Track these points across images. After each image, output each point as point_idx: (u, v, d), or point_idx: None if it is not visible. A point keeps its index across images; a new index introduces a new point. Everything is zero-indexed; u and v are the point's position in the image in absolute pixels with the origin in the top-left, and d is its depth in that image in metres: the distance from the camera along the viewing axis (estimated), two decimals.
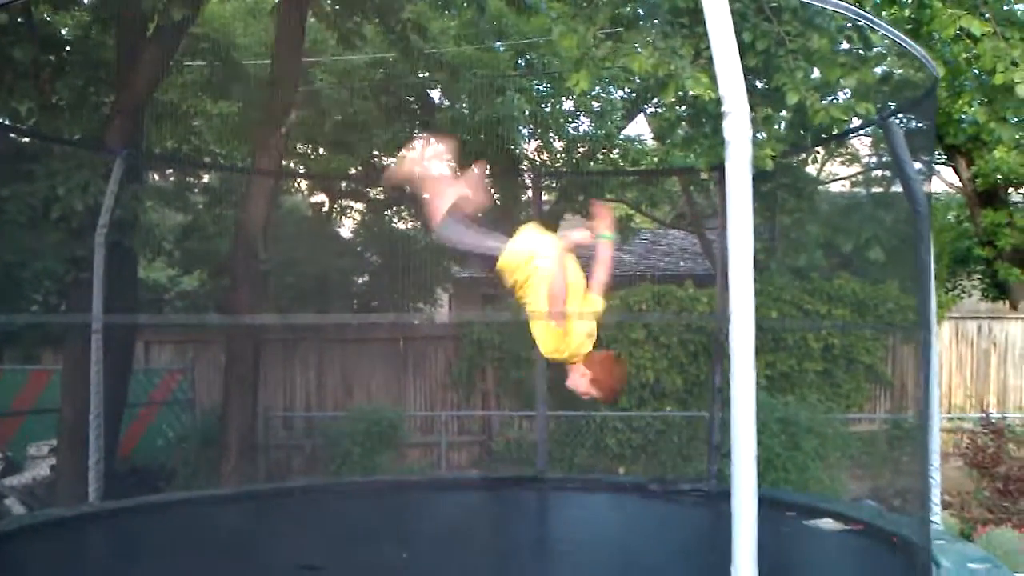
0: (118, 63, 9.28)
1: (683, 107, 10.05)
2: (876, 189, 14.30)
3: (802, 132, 7.75)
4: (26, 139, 9.39)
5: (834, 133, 7.77)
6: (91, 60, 9.43)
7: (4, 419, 11.88)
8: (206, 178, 13.18)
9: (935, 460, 5.59)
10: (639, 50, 6.43)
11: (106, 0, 9.08)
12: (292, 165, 13.60)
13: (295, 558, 5.45)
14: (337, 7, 10.61)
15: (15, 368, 12.60)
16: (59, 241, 8.49)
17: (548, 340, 4.42)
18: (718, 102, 3.26)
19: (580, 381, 4.56)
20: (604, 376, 4.53)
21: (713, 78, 5.55)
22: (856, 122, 6.93)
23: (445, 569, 5.38)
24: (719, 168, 7.63)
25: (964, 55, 7.42)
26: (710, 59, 3.54)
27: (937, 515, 5.71)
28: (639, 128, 17.35)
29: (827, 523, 6.41)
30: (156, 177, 12.40)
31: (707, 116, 7.96)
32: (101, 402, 7.13)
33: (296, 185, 15.09)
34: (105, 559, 5.95)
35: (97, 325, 7.04)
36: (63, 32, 10.19)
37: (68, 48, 9.61)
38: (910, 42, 4.89)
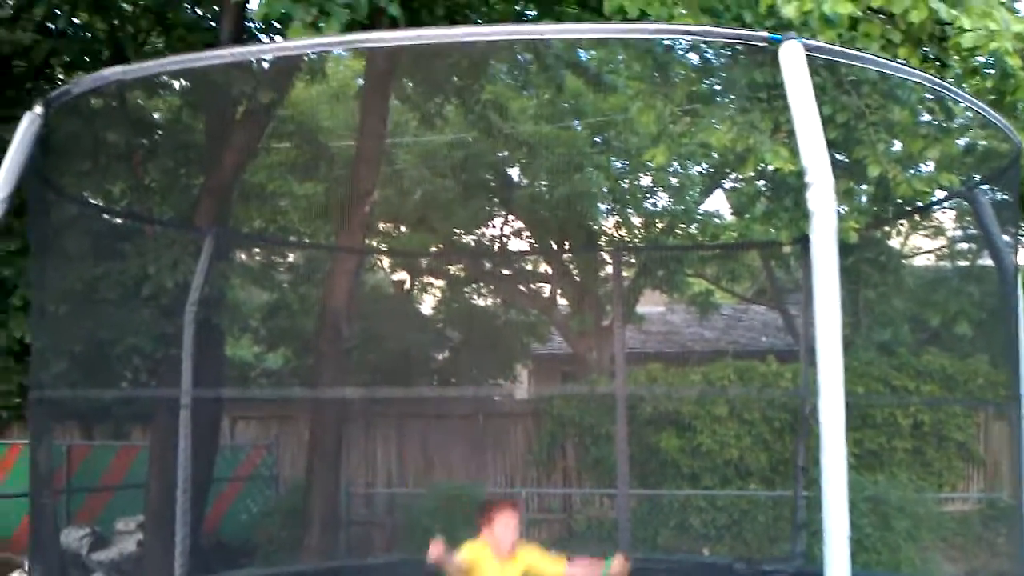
0: (207, 145, 9.58)
1: (762, 181, 10.04)
2: (962, 262, 14.01)
3: (885, 204, 7.67)
4: (119, 219, 9.71)
5: (918, 205, 7.67)
6: (181, 143, 9.75)
7: (93, 494, 12.11)
8: (291, 257, 13.44)
9: None
10: (717, 125, 6.45)
11: (196, 85, 9.42)
12: (375, 243, 13.81)
13: None
14: (419, 90, 10.85)
15: (105, 444, 12.87)
16: (149, 318, 8.70)
17: None
18: (799, 175, 3.24)
19: None
20: None
21: (793, 151, 5.55)
22: (940, 194, 6.84)
23: None
24: (801, 241, 7.57)
25: None
26: (789, 132, 3.55)
27: None
28: (717, 203, 17.32)
29: None
30: (243, 256, 12.69)
31: (787, 189, 7.92)
32: (189, 477, 7.24)
33: (378, 263, 15.31)
34: None
35: (186, 400, 7.17)
36: (155, 116, 10.55)
37: (159, 131, 9.95)
38: (992, 112, 4.84)
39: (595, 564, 5.21)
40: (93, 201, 9.12)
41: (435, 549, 4.72)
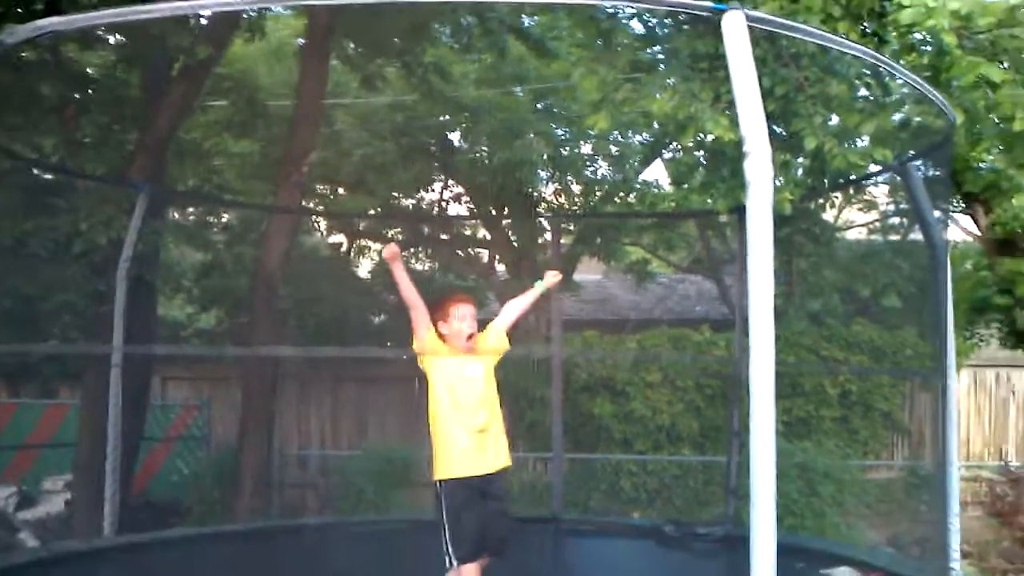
0: (143, 101, 9.39)
1: (701, 151, 10.11)
2: (893, 236, 14.29)
3: (820, 176, 7.77)
4: (49, 175, 9.49)
5: (852, 179, 7.79)
6: (116, 98, 9.53)
7: (19, 453, 11.92)
8: (226, 216, 13.26)
9: (954, 508, 5.54)
10: (659, 94, 6.48)
11: (132, 39, 9.21)
12: (312, 205, 13.67)
13: None
14: (360, 50, 10.72)
15: (31, 402, 12.66)
16: (80, 275, 8.55)
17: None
18: (737, 145, 3.27)
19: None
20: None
21: (733, 121, 5.60)
22: (874, 168, 6.94)
23: None
24: (737, 211, 7.66)
25: (983, 102, 7.43)
26: (730, 103, 3.57)
27: (956, 564, 5.64)
28: (656, 173, 17.40)
29: (844, 571, 6.34)
30: (177, 215, 12.49)
31: (725, 159, 7.99)
32: (119, 435, 7.14)
33: (315, 225, 15.17)
34: None
35: (117, 358, 7.06)
36: (89, 70, 10.29)
37: (93, 85, 9.72)
38: (929, 88, 4.92)
39: (526, 292, 5.45)
40: (24, 155, 8.89)
41: (390, 249, 4.77)
